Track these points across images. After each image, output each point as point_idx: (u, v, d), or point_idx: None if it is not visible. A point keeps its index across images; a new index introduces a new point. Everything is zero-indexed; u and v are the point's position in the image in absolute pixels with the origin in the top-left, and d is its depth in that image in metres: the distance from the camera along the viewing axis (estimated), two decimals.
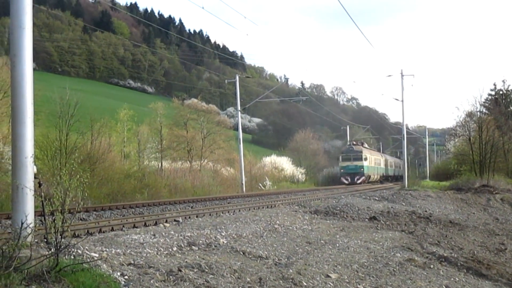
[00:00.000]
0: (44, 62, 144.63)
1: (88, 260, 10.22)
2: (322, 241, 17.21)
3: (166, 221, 19.10)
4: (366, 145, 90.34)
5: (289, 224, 20.03)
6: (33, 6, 11.51)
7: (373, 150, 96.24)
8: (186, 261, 11.78)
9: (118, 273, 10.04)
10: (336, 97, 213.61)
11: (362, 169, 77.99)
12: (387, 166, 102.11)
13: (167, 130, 60.98)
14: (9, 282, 8.47)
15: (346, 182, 77.01)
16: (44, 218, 10.40)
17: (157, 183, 41.32)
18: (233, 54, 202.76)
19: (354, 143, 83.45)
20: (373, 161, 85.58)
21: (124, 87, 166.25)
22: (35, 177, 10.64)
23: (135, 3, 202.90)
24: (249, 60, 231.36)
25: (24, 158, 10.38)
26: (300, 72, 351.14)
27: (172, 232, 15.09)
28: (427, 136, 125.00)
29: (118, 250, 11.81)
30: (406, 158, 63.16)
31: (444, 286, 14.57)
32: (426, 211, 30.68)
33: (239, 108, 57.97)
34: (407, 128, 76.86)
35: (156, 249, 12.53)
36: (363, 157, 78.49)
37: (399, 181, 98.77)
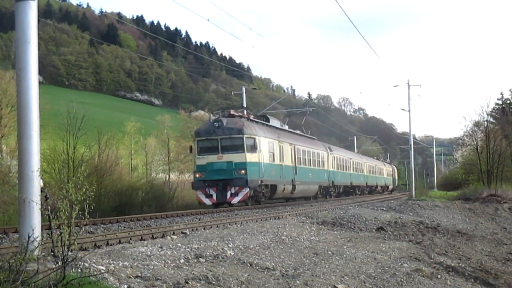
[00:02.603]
0: (51, 76, 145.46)
1: (95, 273, 10.23)
2: (329, 252, 17.18)
3: (173, 233, 19.09)
4: (272, 120, 45.95)
5: (296, 235, 20.01)
6: (40, 20, 11.59)
7: (293, 133, 50.04)
8: (193, 273, 11.78)
9: (125, 286, 10.05)
10: (343, 107, 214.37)
11: (242, 171, 36.40)
12: (350, 170, 66.32)
13: (174, 142, 61.13)
14: None
15: (206, 202, 36.85)
16: (51, 232, 10.44)
17: (165, 195, 41.39)
18: (240, 65, 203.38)
19: (232, 112, 40.09)
20: (284, 154, 42.59)
21: (131, 100, 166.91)
22: (41, 191, 10.67)
23: (142, 16, 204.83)
24: (255, 72, 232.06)
25: (30, 172, 10.42)
26: (307, 83, 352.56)
27: (179, 244, 15.10)
28: (434, 146, 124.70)
29: (125, 263, 11.82)
30: (414, 168, 62.90)
31: None
32: (433, 221, 30.60)
33: None
34: (414, 138, 76.50)
35: (163, 262, 12.54)
36: (246, 143, 36.97)
37: (382, 193, 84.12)
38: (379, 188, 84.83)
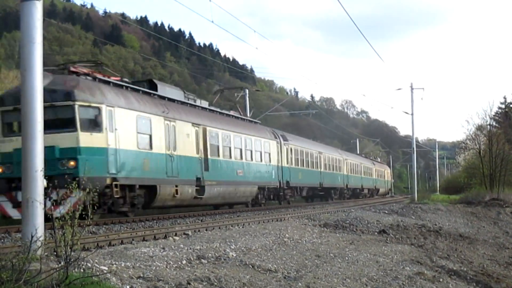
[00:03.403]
0: None
1: (98, 273, 10.23)
2: (331, 255, 17.17)
3: (176, 234, 19.10)
4: (163, 88, 29.95)
5: (299, 237, 20.00)
6: (44, 19, 11.60)
7: (211, 111, 35.25)
8: (195, 274, 11.79)
9: (128, 286, 10.06)
10: (346, 110, 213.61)
11: (72, 162, 21.36)
12: (320, 168, 52.84)
13: None
14: None
15: (11, 214, 21.47)
16: (54, 232, 10.45)
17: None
18: (243, 67, 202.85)
19: (73, 69, 23.71)
20: (178, 138, 28.34)
21: None
22: (45, 191, 10.70)
23: (145, 17, 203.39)
24: (259, 74, 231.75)
25: (34, 172, 10.44)
26: (310, 85, 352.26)
27: (182, 245, 15.10)
28: (437, 150, 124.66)
29: (128, 263, 11.83)
30: (416, 171, 62.73)
31: None
32: (436, 225, 30.60)
33: None
34: (417, 141, 75.99)
35: (165, 262, 12.54)
36: (81, 115, 22.20)
37: (370, 197, 74.38)
38: (365, 191, 73.24)
